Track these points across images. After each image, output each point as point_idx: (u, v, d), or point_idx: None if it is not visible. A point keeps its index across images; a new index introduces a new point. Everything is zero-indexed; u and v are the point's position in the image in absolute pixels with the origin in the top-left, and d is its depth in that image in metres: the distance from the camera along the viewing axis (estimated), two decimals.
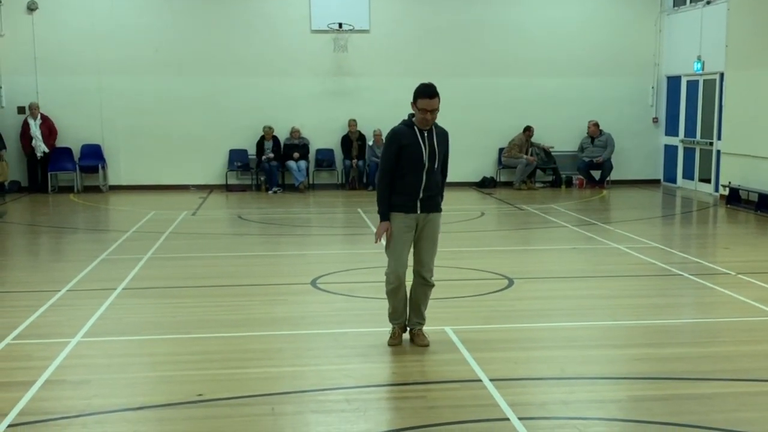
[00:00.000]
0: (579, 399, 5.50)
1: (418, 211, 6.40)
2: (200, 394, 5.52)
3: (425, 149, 6.32)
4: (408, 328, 6.73)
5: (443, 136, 6.47)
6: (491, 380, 5.74)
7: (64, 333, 6.98)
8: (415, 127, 6.36)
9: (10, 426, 4.99)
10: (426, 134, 6.36)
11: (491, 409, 5.23)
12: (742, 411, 5.25)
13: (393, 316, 6.67)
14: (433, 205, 6.47)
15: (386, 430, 4.95)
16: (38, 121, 17.34)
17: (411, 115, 6.39)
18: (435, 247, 6.57)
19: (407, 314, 6.69)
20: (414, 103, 6.28)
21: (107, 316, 7.59)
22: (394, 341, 6.62)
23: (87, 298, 8.27)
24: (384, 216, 6.44)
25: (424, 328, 6.70)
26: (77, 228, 13.64)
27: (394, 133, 6.40)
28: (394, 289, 6.50)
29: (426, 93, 6.24)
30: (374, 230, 10.95)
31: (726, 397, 5.55)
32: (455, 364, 6.14)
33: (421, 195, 6.38)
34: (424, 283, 6.56)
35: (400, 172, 6.34)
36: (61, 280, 9.04)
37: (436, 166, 6.38)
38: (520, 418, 5.06)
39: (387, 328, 6.97)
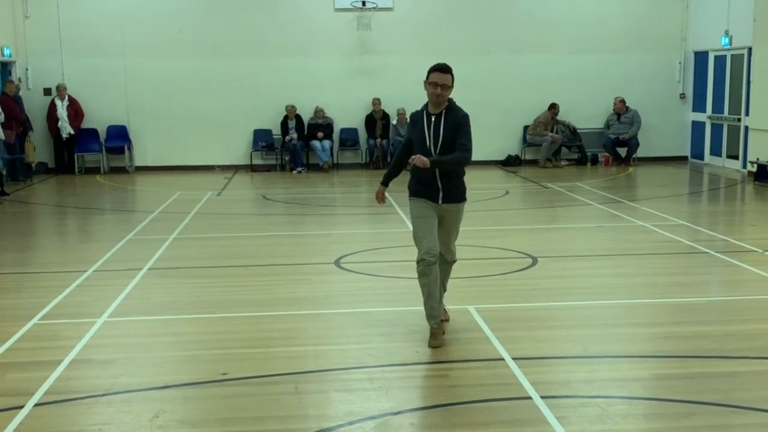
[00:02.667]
0: (602, 378, 5.48)
1: (431, 199, 6.17)
2: (224, 373, 5.56)
3: (429, 137, 6.08)
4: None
5: (456, 120, 6.04)
6: (514, 359, 5.73)
7: (91, 313, 7.06)
8: (425, 112, 6.17)
9: (37, 405, 5.06)
10: (434, 120, 6.08)
11: (514, 388, 5.23)
12: (767, 389, 5.21)
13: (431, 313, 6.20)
14: (447, 195, 6.17)
15: (409, 409, 4.97)
16: (65, 102, 17.47)
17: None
18: (451, 235, 6.37)
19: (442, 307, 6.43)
20: (426, 80, 6.07)
21: (133, 295, 7.67)
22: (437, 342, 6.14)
23: (113, 278, 8.35)
24: (382, 183, 6.60)
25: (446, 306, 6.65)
26: (104, 209, 13.76)
27: (410, 116, 6.39)
28: (420, 273, 6.15)
29: (438, 67, 6.05)
30: (399, 210, 10.98)
31: (751, 375, 5.51)
32: (478, 343, 6.14)
33: (430, 183, 6.14)
34: (442, 261, 6.42)
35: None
36: (88, 260, 9.13)
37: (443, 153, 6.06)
38: (542, 397, 5.05)
39: (410, 307, 6.99)
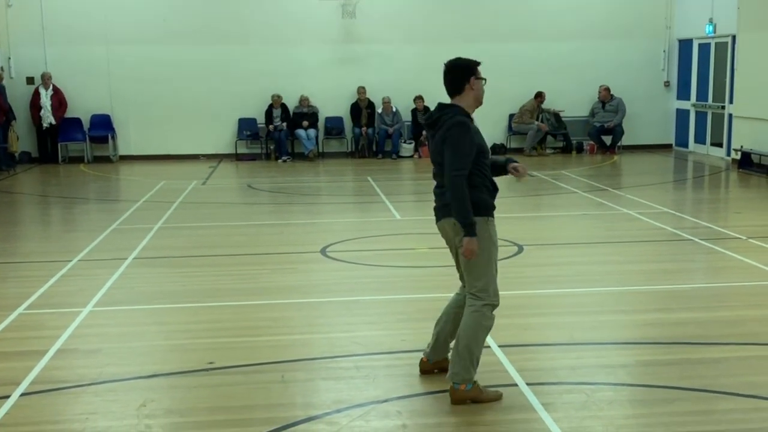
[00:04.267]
0: (587, 364, 5.51)
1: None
2: (211, 362, 5.56)
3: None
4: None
5: (442, 129, 4.88)
6: (500, 346, 5.76)
7: (76, 302, 7.03)
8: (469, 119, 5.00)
9: (23, 395, 5.05)
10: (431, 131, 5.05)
11: (500, 375, 5.25)
12: (752, 375, 5.26)
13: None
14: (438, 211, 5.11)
15: (395, 397, 4.98)
16: (49, 91, 17.32)
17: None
18: (467, 263, 4.89)
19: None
20: (476, 77, 4.95)
21: (119, 285, 7.64)
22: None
23: (98, 267, 8.32)
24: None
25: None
26: (88, 198, 13.69)
27: (465, 124, 4.89)
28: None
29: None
30: (384, 199, 10.91)
31: (735, 361, 5.56)
32: None
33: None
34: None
35: None
36: (73, 249, 9.09)
37: (435, 168, 5.05)
38: (528, 384, 5.08)
39: (395, 295, 7.02)
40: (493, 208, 4.99)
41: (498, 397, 4.90)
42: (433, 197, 5.14)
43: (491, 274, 4.89)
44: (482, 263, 4.84)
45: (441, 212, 5.03)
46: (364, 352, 5.79)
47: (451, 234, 4.97)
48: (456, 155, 4.75)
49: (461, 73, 4.95)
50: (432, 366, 5.30)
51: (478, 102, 5.03)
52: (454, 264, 5.14)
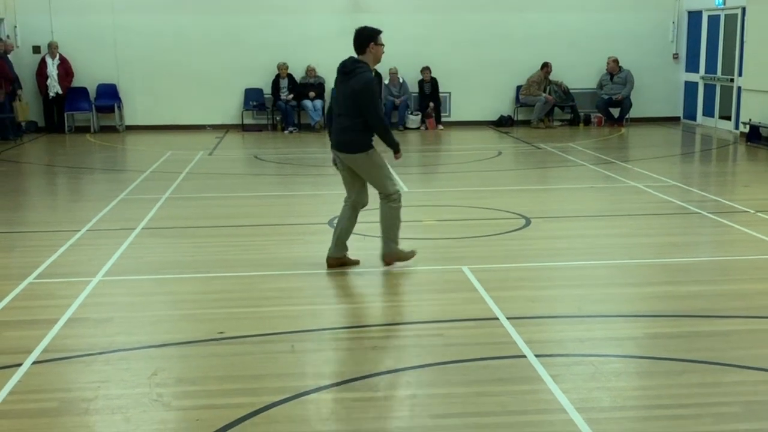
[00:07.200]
0: (595, 336, 5.54)
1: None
2: (221, 332, 5.59)
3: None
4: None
5: (357, 82, 6.73)
6: (508, 318, 5.78)
7: (86, 272, 7.06)
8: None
9: (35, 363, 5.09)
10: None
11: (508, 347, 5.28)
12: (759, 348, 5.28)
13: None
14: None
15: (405, 367, 5.01)
16: (56, 61, 17.28)
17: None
18: (370, 177, 6.99)
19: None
20: (379, 43, 6.79)
21: (127, 255, 7.67)
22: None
23: (107, 237, 8.35)
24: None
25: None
26: (95, 168, 13.70)
27: (374, 80, 6.88)
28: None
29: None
30: (391, 170, 11.09)
31: (743, 334, 5.58)
32: (472, 303, 6.18)
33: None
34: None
35: None
36: (81, 219, 9.11)
37: (341, 109, 6.84)
38: (536, 356, 5.10)
39: (405, 267, 7.03)
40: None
41: (412, 255, 7.02)
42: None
43: (386, 177, 6.90)
44: (380, 174, 6.88)
45: (344, 147, 6.83)
46: (372, 323, 5.82)
47: (347, 163, 6.88)
48: (377, 109, 6.70)
49: (365, 38, 6.76)
50: (335, 261, 7.01)
51: (377, 61, 6.90)
52: (348, 185, 7.06)
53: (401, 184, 11.22)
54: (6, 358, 5.17)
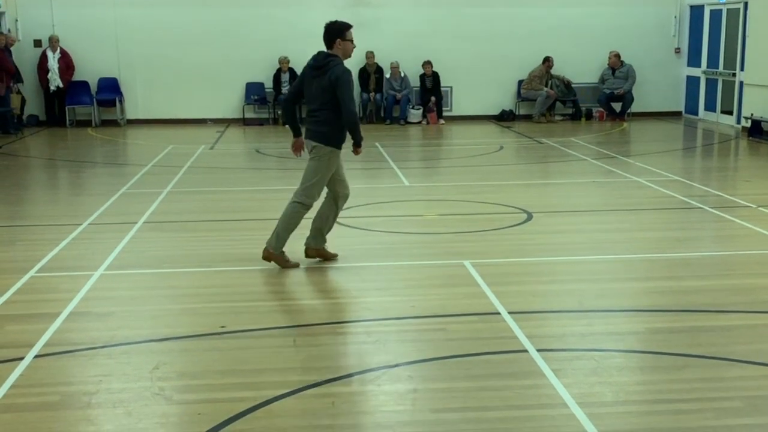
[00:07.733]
0: (597, 331, 5.54)
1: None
2: (223, 326, 5.59)
3: None
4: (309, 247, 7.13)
5: (331, 75, 6.71)
6: (510, 313, 5.78)
7: (88, 266, 7.06)
8: None
9: (37, 356, 5.09)
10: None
11: (510, 341, 5.28)
12: (761, 343, 5.27)
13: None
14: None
15: (406, 362, 5.01)
16: (57, 54, 17.25)
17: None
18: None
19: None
20: (347, 39, 6.77)
21: (129, 249, 7.67)
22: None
23: (108, 231, 8.34)
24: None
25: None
26: (96, 162, 13.70)
27: (348, 73, 6.79)
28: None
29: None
30: (393, 165, 10.95)
31: (744, 329, 5.57)
32: (474, 297, 6.18)
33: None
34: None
35: None
36: (82, 213, 9.11)
37: (315, 104, 6.87)
38: (538, 350, 5.10)
39: (404, 261, 7.04)
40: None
41: (294, 266, 6.86)
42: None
43: (319, 184, 6.90)
44: (319, 177, 6.89)
45: (315, 135, 6.84)
46: (374, 317, 5.82)
47: (307, 149, 6.97)
48: (351, 100, 6.69)
49: (332, 34, 6.77)
50: (313, 252, 7.03)
51: (346, 56, 6.78)
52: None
53: (403, 179, 11.22)
54: (8, 351, 5.17)
